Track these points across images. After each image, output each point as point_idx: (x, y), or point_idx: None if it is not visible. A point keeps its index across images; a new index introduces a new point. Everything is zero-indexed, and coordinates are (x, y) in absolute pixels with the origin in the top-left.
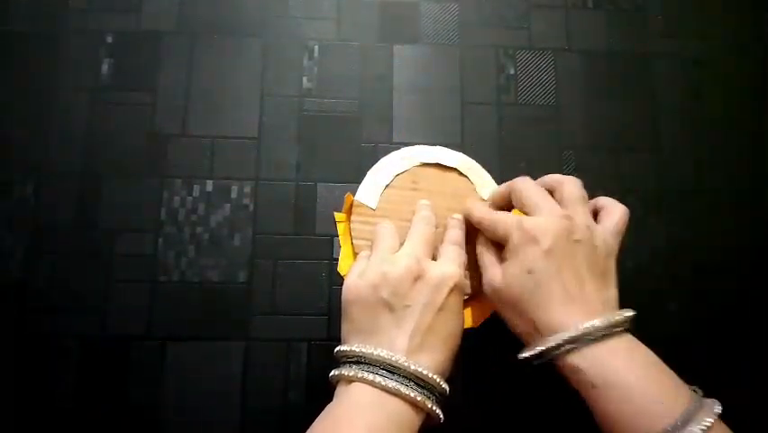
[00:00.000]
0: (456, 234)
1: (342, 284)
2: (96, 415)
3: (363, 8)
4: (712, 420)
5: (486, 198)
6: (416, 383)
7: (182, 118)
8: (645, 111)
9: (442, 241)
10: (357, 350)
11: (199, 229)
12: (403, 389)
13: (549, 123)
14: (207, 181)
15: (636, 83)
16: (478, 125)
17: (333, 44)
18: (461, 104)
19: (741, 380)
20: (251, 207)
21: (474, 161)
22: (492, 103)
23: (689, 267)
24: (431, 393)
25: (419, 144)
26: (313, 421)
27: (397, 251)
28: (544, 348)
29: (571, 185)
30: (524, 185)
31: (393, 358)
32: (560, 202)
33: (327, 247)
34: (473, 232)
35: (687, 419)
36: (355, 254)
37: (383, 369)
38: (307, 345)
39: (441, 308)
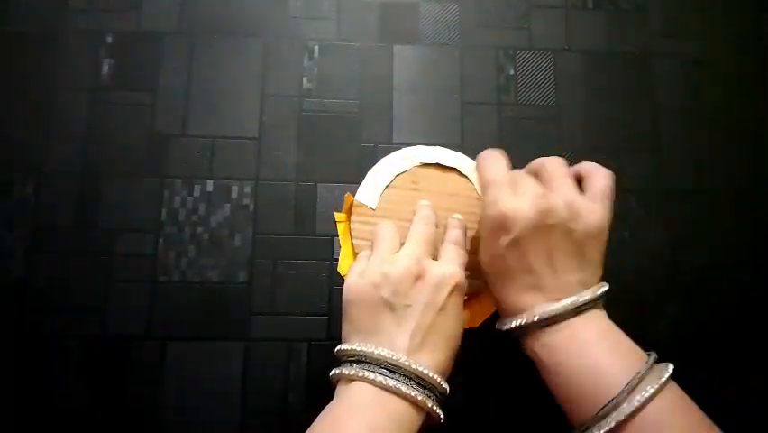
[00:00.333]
0: (457, 234)
1: (342, 284)
2: (95, 415)
3: (363, 8)
4: (661, 381)
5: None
6: (416, 383)
7: (182, 118)
8: (645, 111)
9: (442, 241)
10: (358, 349)
11: (199, 229)
12: (404, 388)
13: (549, 123)
14: (207, 181)
15: (636, 83)
16: (478, 125)
17: (333, 44)
18: (461, 104)
19: (741, 380)
20: (251, 207)
21: (474, 162)
22: (492, 103)
23: (689, 267)
24: (431, 393)
25: (419, 144)
26: (313, 421)
27: (397, 251)
28: (501, 329)
29: (552, 163)
30: (479, 167)
31: (394, 357)
32: (543, 183)
33: (327, 247)
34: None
35: (634, 385)
36: (355, 254)
37: (384, 368)
38: (307, 345)
39: (442, 308)
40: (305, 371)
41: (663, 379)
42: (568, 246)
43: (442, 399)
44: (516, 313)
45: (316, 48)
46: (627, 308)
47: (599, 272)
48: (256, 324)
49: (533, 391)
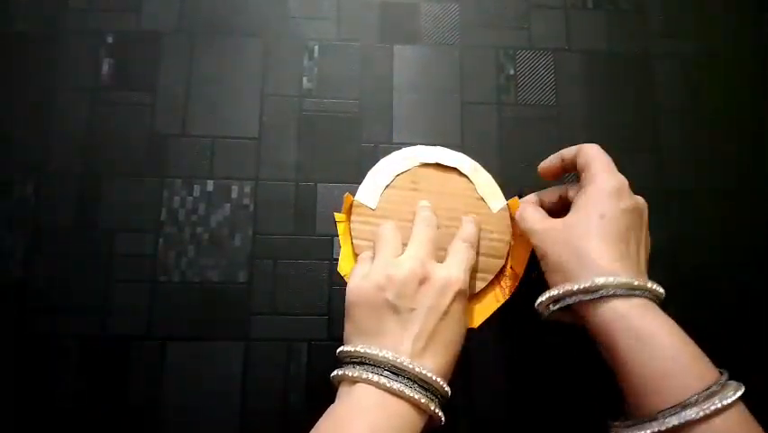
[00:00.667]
0: (471, 230)
1: (342, 284)
2: (96, 415)
3: (363, 8)
4: (734, 398)
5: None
6: (419, 386)
7: (182, 118)
8: (645, 111)
9: (443, 241)
10: (361, 351)
11: (199, 229)
12: (407, 391)
13: (549, 123)
14: (207, 181)
15: (636, 83)
16: (478, 125)
17: (333, 44)
18: (461, 104)
19: (741, 380)
20: (251, 207)
21: (474, 162)
22: (492, 103)
23: (689, 267)
24: (434, 396)
25: (419, 144)
26: (313, 421)
27: (400, 252)
28: (593, 284)
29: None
30: (595, 152)
31: (398, 360)
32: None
33: (327, 247)
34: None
35: (714, 392)
36: (355, 255)
37: (388, 370)
38: (307, 345)
39: (445, 312)
40: (305, 371)
41: (737, 396)
42: (647, 245)
43: (443, 402)
44: (609, 271)
45: (316, 48)
46: None
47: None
48: (256, 324)
49: (533, 391)
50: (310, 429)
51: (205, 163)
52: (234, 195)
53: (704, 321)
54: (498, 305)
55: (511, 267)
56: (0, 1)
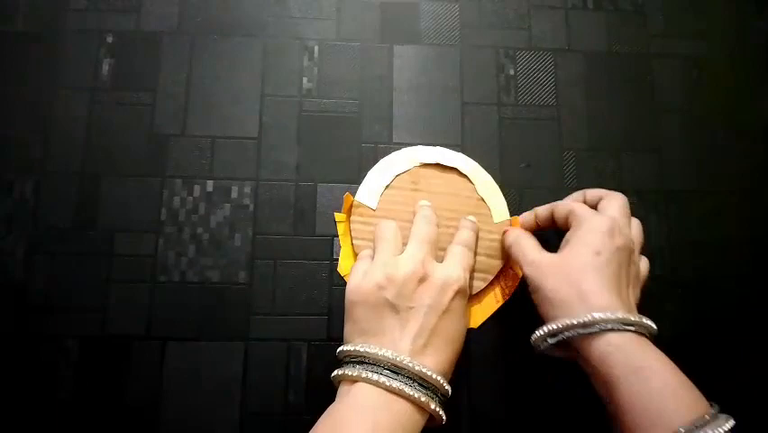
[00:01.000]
0: (468, 235)
1: (342, 284)
2: (95, 415)
3: (363, 8)
4: (727, 428)
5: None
6: (419, 384)
7: (182, 118)
8: (645, 111)
9: (443, 241)
10: (361, 350)
11: (199, 229)
12: (407, 389)
13: (549, 123)
14: (207, 181)
15: (636, 83)
16: (478, 125)
17: (333, 44)
18: (461, 104)
19: (741, 380)
20: (251, 207)
21: (474, 162)
22: (492, 103)
23: (689, 267)
24: (434, 394)
25: (419, 144)
26: (313, 421)
27: (400, 251)
28: (590, 319)
29: (624, 201)
30: (571, 204)
31: (398, 358)
32: (608, 211)
33: (327, 247)
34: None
35: (705, 422)
36: (355, 254)
37: (387, 369)
38: (307, 345)
39: (445, 311)
40: (305, 371)
41: (727, 428)
42: (636, 282)
43: (444, 400)
44: (602, 307)
45: (316, 48)
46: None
47: None
48: (256, 324)
49: (533, 391)
50: (310, 429)
51: (205, 163)
52: (234, 195)
53: (704, 321)
54: (498, 305)
55: (511, 267)
56: (0, 1)
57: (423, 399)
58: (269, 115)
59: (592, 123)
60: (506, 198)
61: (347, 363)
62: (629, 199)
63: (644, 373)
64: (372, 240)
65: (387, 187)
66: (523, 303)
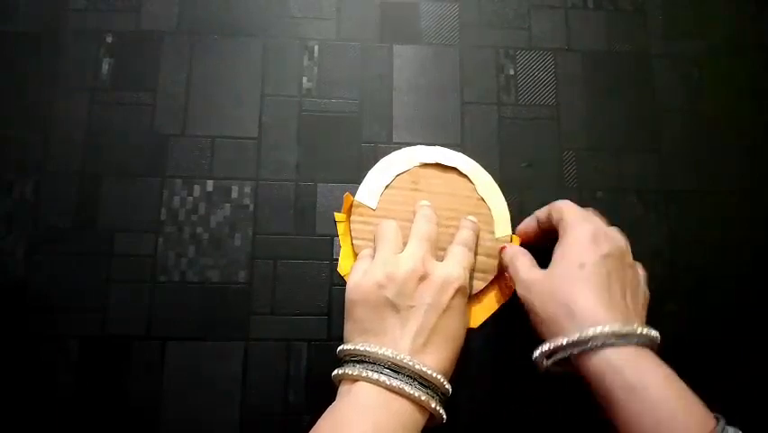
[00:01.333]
0: (468, 235)
1: (342, 284)
2: (95, 415)
3: (363, 8)
4: None
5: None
6: (420, 383)
7: (182, 118)
8: (645, 111)
9: (443, 241)
10: (361, 349)
11: (199, 229)
12: (407, 388)
13: (549, 123)
14: (207, 181)
15: (636, 83)
16: (478, 125)
17: (333, 44)
18: (461, 104)
19: (741, 380)
20: (251, 207)
21: (474, 162)
22: (492, 103)
23: (689, 267)
24: (434, 393)
25: (419, 144)
26: (313, 421)
27: (400, 250)
28: (581, 337)
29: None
30: (567, 205)
31: (398, 357)
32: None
33: (327, 247)
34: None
35: None
36: (355, 254)
37: (388, 368)
38: (307, 345)
39: (445, 310)
40: (305, 371)
41: None
42: (636, 290)
43: (444, 399)
44: (593, 322)
45: (316, 48)
46: None
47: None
48: (256, 324)
49: (533, 390)
50: (310, 429)
51: (205, 163)
52: (234, 195)
53: (704, 321)
54: (498, 305)
55: None
56: (0, 1)
57: (423, 398)
58: (269, 115)
59: (592, 123)
60: (506, 198)
61: (347, 362)
62: (629, 200)
63: (641, 393)
64: (372, 240)
65: (387, 187)
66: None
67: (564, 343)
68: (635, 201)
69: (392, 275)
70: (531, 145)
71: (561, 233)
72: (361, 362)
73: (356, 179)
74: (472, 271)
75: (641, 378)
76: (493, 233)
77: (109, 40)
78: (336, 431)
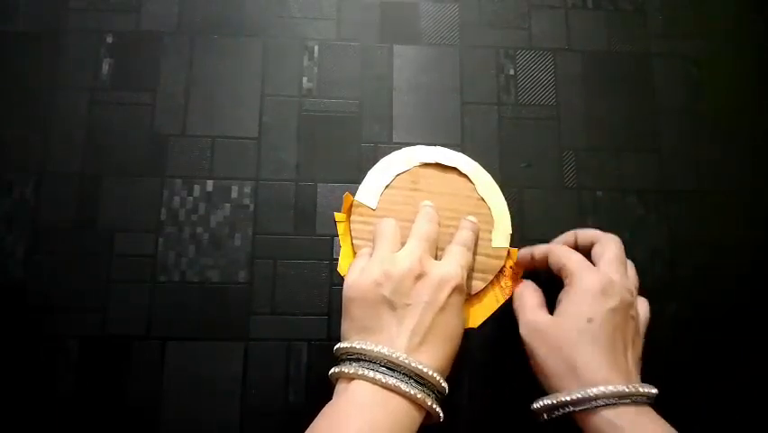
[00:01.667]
0: (467, 235)
1: (342, 284)
2: (95, 415)
3: (363, 8)
4: None
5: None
6: (415, 381)
7: (182, 118)
8: (645, 111)
9: (443, 240)
10: (357, 347)
11: (199, 229)
12: (403, 386)
13: (549, 123)
14: (207, 181)
15: (636, 83)
16: (478, 125)
17: (333, 44)
18: (461, 104)
19: (741, 380)
20: (251, 207)
21: (474, 162)
22: (492, 103)
23: (689, 267)
24: (431, 391)
25: (419, 144)
26: (313, 420)
27: (399, 249)
28: (584, 396)
29: (618, 247)
30: (565, 253)
31: (393, 355)
32: (602, 261)
33: (327, 247)
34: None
35: None
36: (355, 254)
37: (383, 366)
38: (307, 345)
39: (442, 308)
40: (305, 371)
41: None
42: (636, 340)
43: (441, 397)
44: (597, 382)
45: (316, 48)
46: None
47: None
48: (256, 324)
49: (533, 390)
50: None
51: (205, 163)
52: (234, 195)
53: (704, 321)
54: (498, 305)
55: (511, 267)
56: (0, 1)
57: (419, 396)
58: (269, 115)
59: (592, 122)
60: (506, 198)
61: (344, 360)
62: (629, 200)
63: None
64: (372, 240)
65: (387, 186)
66: None
67: (566, 400)
68: (635, 201)
69: (389, 273)
70: (531, 145)
71: (566, 281)
72: (357, 360)
73: (356, 179)
74: (471, 270)
75: None
76: (492, 232)
77: (109, 40)
78: (333, 429)
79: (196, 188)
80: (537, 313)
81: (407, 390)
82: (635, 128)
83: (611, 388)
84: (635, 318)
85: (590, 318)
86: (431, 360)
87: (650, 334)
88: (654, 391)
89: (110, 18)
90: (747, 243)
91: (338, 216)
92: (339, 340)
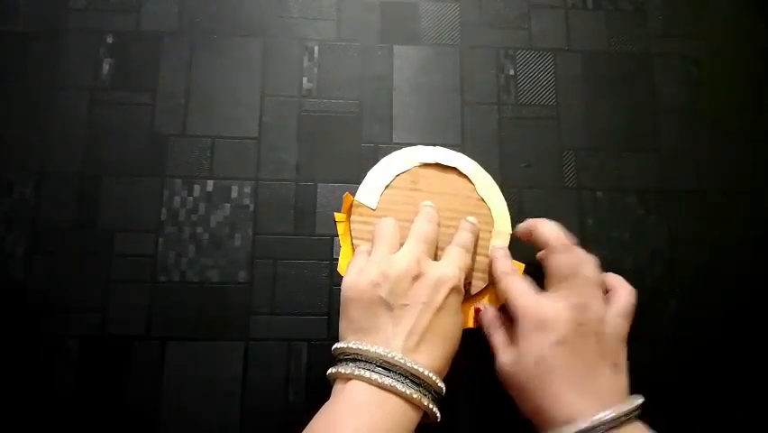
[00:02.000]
0: (466, 236)
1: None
2: (95, 415)
3: (363, 8)
4: None
5: (502, 229)
6: (412, 381)
7: (182, 118)
8: (645, 111)
9: (443, 241)
10: (354, 347)
11: (199, 229)
12: (399, 386)
13: (549, 123)
14: (207, 181)
15: (636, 83)
16: (478, 125)
17: (333, 44)
18: (461, 104)
19: (741, 380)
20: (251, 207)
21: (474, 162)
22: (492, 103)
23: (689, 267)
24: (427, 391)
25: (419, 144)
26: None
27: (397, 249)
28: None
29: (590, 267)
30: (550, 229)
31: (389, 355)
32: (574, 277)
33: (327, 247)
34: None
35: None
36: None
37: (380, 366)
38: (307, 345)
39: (439, 309)
40: (304, 371)
41: None
42: (604, 353)
43: (438, 397)
44: (564, 422)
45: (316, 48)
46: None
47: (626, 382)
48: (256, 324)
49: None
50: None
51: (205, 163)
52: (234, 195)
53: (704, 321)
54: (498, 305)
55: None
56: (0, 1)
57: (415, 396)
58: (269, 115)
59: (592, 123)
60: (506, 198)
61: (341, 360)
62: (629, 200)
63: None
64: (372, 240)
65: (387, 187)
66: None
67: None
68: (635, 201)
69: (386, 274)
70: (531, 145)
71: (516, 321)
72: (354, 360)
73: (356, 179)
74: (470, 271)
75: None
76: (492, 233)
77: (109, 40)
78: (330, 429)
79: (196, 188)
80: (503, 354)
81: (403, 390)
82: (635, 128)
83: (584, 425)
84: (597, 333)
85: (538, 360)
86: (428, 360)
87: (650, 334)
88: (638, 402)
89: (110, 18)
90: (747, 243)
91: (338, 216)
92: (338, 339)
